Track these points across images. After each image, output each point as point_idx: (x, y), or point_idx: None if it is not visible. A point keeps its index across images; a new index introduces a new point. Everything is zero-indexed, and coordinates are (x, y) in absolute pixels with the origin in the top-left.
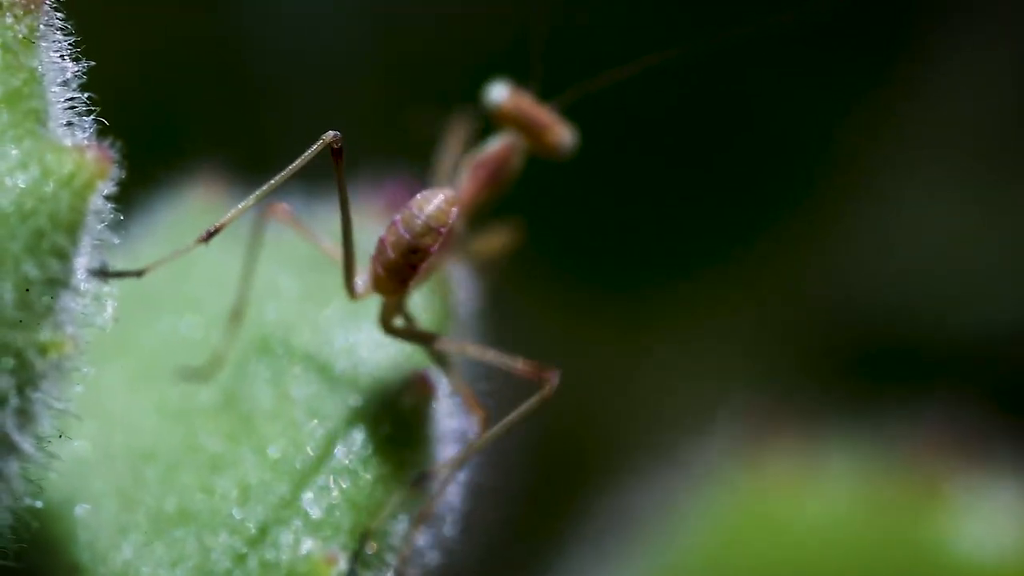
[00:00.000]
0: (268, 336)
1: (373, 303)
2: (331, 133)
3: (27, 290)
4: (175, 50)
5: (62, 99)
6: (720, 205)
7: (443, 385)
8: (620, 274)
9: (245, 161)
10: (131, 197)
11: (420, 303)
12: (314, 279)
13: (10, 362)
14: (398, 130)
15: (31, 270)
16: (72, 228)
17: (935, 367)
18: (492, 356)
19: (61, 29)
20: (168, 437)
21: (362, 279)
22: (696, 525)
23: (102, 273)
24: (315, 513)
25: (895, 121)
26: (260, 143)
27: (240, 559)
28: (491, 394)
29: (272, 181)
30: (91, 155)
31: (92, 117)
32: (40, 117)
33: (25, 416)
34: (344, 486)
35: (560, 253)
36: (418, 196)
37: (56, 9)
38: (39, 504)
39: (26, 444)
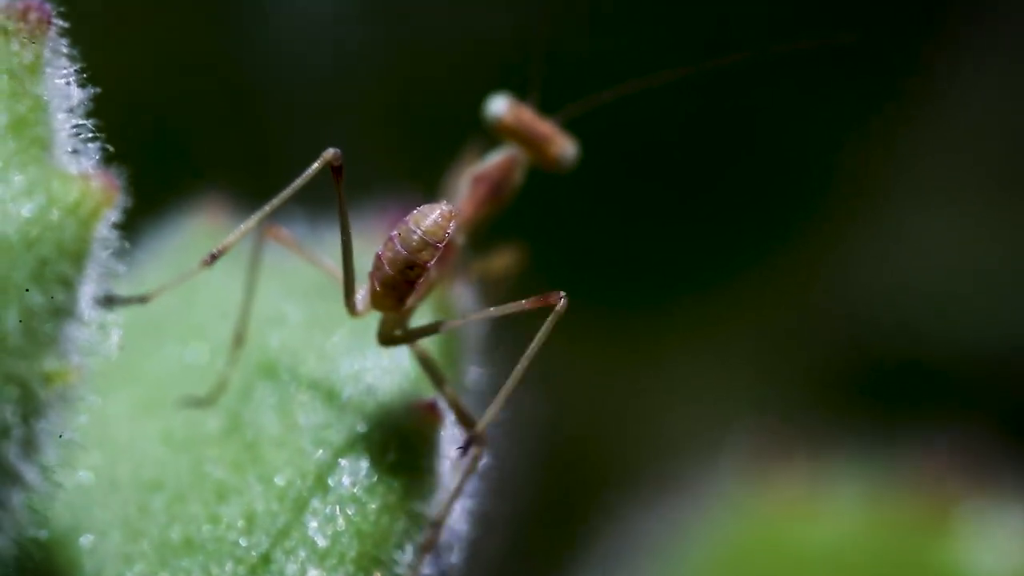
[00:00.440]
0: (274, 363)
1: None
2: (331, 151)
3: (32, 319)
4: (181, 74)
5: (68, 126)
6: (726, 223)
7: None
8: (625, 293)
9: (251, 186)
10: (137, 224)
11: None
12: (320, 307)
13: (15, 391)
14: (405, 152)
15: (36, 299)
16: (78, 256)
17: (943, 387)
18: (494, 311)
19: (66, 55)
20: (174, 466)
21: (361, 296)
22: (703, 548)
23: (107, 301)
24: (321, 542)
25: (901, 139)
26: (266, 167)
27: None
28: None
29: (274, 201)
30: (97, 183)
31: (98, 144)
32: (45, 144)
33: (30, 446)
34: (350, 514)
35: (565, 272)
36: (415, 211)
37: (61, 35)
38: (43, 534)
39: (31, 474)
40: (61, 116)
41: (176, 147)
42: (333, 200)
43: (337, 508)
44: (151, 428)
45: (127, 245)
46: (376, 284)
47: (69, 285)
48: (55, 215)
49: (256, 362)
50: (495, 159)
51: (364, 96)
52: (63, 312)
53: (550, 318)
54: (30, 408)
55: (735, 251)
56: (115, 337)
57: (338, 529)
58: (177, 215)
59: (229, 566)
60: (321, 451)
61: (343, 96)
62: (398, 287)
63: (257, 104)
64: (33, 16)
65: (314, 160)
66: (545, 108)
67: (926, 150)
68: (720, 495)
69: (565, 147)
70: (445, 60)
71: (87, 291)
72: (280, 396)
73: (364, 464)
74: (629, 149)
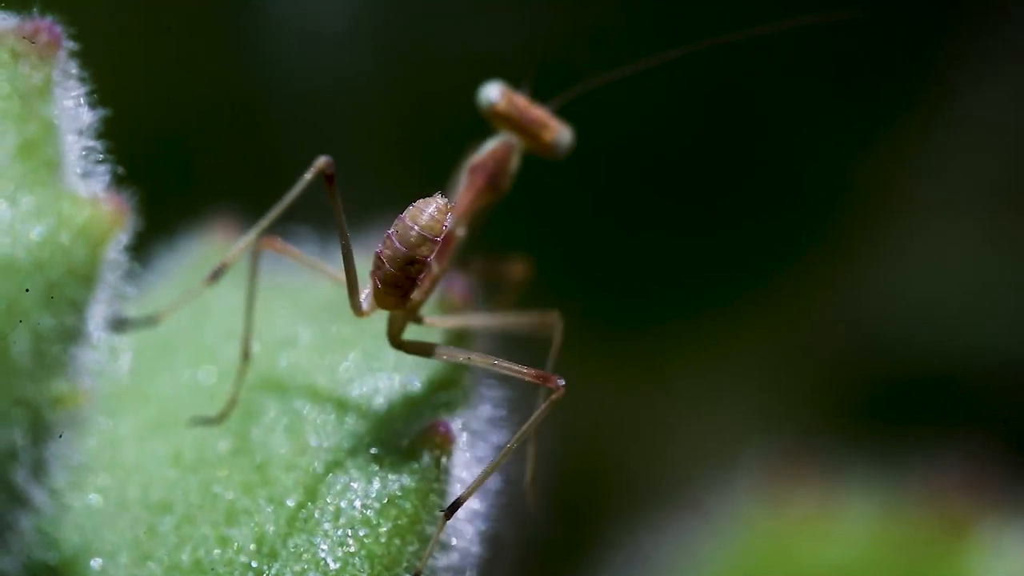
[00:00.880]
0: (284, 384)
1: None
2: (323, 159)
3: (41, 341)
4: (189, 93)
5: (77, 148)
6: (735, 240)
7: (462, 436)
8: (634, 311)
9: (260, 204)
10: (147, 244)
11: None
12: (330, 327)
13: (24, 414)
14: (411, 167)
15: (46, 321)
16: (87, 279)
17: (953, 402)
18: (499, 364)
19: (76, 77)
20: (183, 488)
21: (365, 295)
22: (715, 568)
23: (117, 323)
24: (332, 564)
25: (911, 155)
26: (275, 184)
27: None
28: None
29: (271, 213)
30: (106, 205)
31: (108, 165)
32: (55, 166)
33: (39, 468)
34: (361, 537)
35: (574, 290)
36: (411, 207)
37: (71, 57)
38: (53, 557)
39: (40, 496)
40: (71, 138)
41: (185, 166)
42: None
43: (348, 531)
44: (160, 449)
45: (137, 267)
46: (378, 282)
47: (78, 307)
48: (65, 238)
49: (266, 383)
50: (490, 147)
51: (370, 113)
52: (72, 335)
53: (545, 405)
54: (39, 431)
55: (744, 268)
56: (125, 359)
57: (349, 551)
58: (187, 235)
59: None
60: (332, 473)
61: (349, 113)
62: (400, 284)
63: (264, 121)
64: (43, 38)
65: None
66: (539, 97)
67: (935, 165)
68: (731, 514)
69: (561, 132)
70: (449, 76)
71: (97, 313)
72: (290, 417)
73: (375, 486)
74: (637, 165)
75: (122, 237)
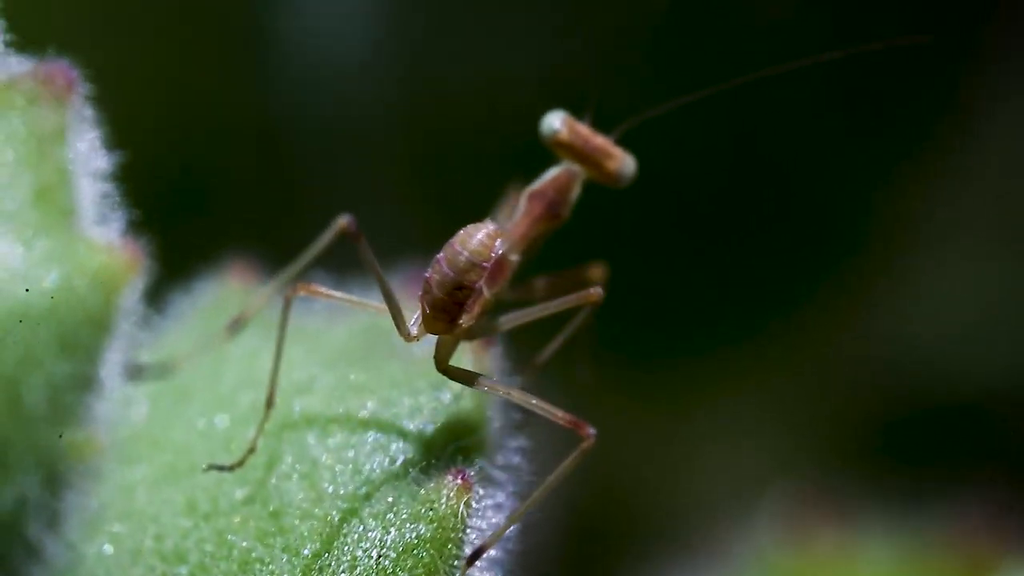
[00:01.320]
0: (302, 432)
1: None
2: (343, 219)
3: (55, 389)
4: (207, 127)
5: (93, 192)
6: (755, 275)
7: (480, 484)
8: (652, 345)
9: (280, 243)
10: (163, 288)
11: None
12: (347, 373)
13: (38, 464)
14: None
15: (60, 369)
16: (102, 326)
17: (976, 438)
18: (535, 404)
19: (91, 121)
20: (198, 536)
21: (414, 321)
22: None
23: (133, 371)
24: None
25: (931, 189)
26: (295, 222)
27: None
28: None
29: (290, 269)
30: (121, 251)
31: (123, 209)
32: (70, 212)
33: (52, 519)
34: None
35: (594, 324)
36: (461, 232)
37: (87, 100)
38: None
39: (53, 547)
40: (86, 182)
41: (202, 202)
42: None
43: None
44: (175, 497)
45: (153, 313)
46: (426, 307)
47: (93, 355)
48: (79, 284)
49: (282, 429)
50: (551, 175)
51: (389, 145)
52: (87, 382)
53: (575, 453)
54: (53, 480)
55: (763, 303)
56: (141, 407)
57: None
58: (203, 278)
59: None
60: (348, 522)
61: (368, 146)
62: (448, 309)
63: (283, 154)
64: (58, 82)
65: (330, 223)
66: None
67: (954, 198)
68: (752, 554)
69: (624, 162)
70: (469, 108)
71: (112, 360)
72: (307, 465)
73: (392, 535)
74: (656, 200)
75: (138, 283)
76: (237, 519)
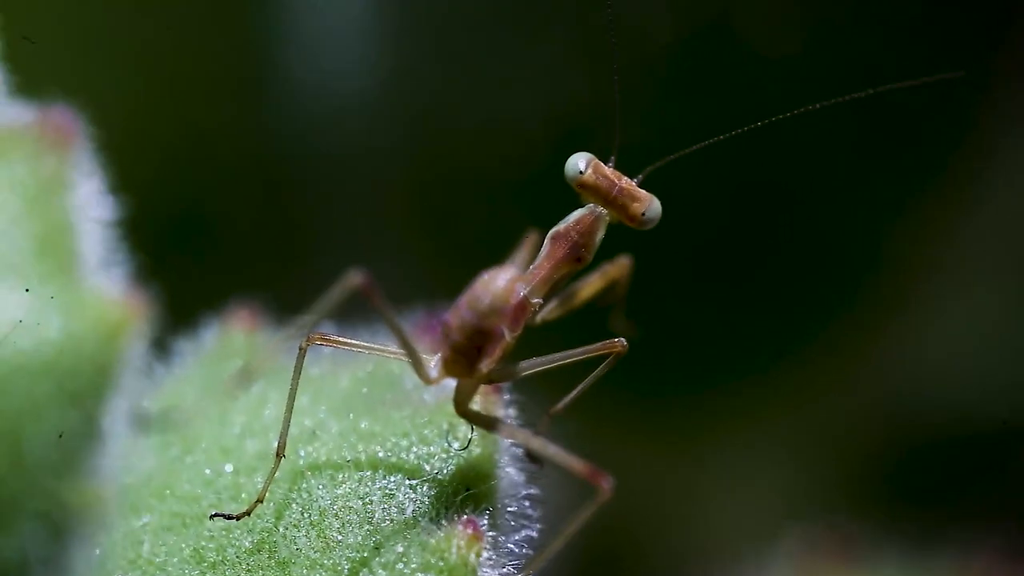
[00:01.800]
0: (310, 480)
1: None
2: (355, 278)
3: (60, 439)
4: (211, 168)
5: (96, 240)
6: (766, 311)
7: (490, 533)
8: (662, 382)
9: (284, 294)
10: (168, 332)
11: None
12: (357, 422)
13: (42, 513)
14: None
15: (64, 419)
16: (106, 375)
17: (990, 479)
18: (554, 451)
19: (94, 167)
20: None
21: (434, 364)
22: None
23: (139, 421)
24: None
25: (943, 223)
26: (300, 274)
27: None
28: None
29: (299, 322)
30: (125, 300)
31: (127, 256)
32: (73, 260)
33: (57, 568)
34: None
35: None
36: (483, 276)
37: (89, 146)
38: None
39: None
40: (89, 229)
41: (207, 242)
42: (361, 310)
43: None
44: (182, 546)
45: (157, 361)
46: (447, 351)
47: (97, 404)
48: (82, 333)
49: (291, 477)
50: (575, 217)
51: (394, 183)
52: (91, 432)
53: (591, 504)
54: (58, 532)
55: (775, 339)
56: (145, 454)
57: None
58: (209, 325)
59: None
60: (358, 571)
61: (373, 183)
62: (468, 353)
63: (288, 200)
64: (61, 129)
65: (341, 277)
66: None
67: (966, 232)
68: None
69: (650, 204)
70: (474, 145)
71: (117, 409)
72: (315, 513)
73: None
74: (668, 236)
75: (142, 331)
76: (245, 568)
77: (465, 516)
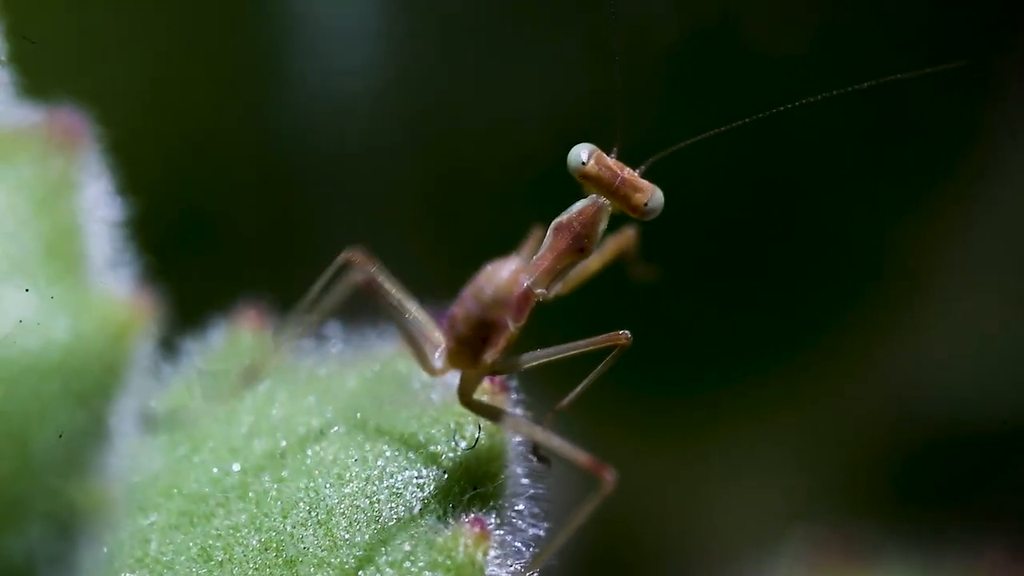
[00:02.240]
0: (317, 479)
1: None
2: (355, 275)
3: (67, 440)
4: (217, 167)
5: (104, 241)
6: (771, 309)
7: (498, 532)
8: (668, 380)
9: (289, 293)
10: (175, 332)
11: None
12: (364, 421)
13: (49, 513)
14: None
15: (71, 419)
16: (114, 375)
17: (996, 475)
18: (557, 444)
19: (102, 168)
20: None
21: (439, 354)
22: None
23: (147, 421)
24: None
25: (950, 223)
26: (306, 272)
27: None
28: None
29: (299, 313)
30: (133, 301)
31: (134, 256)
32: (82, 262)
33: (65, 568)
34: None
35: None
36: (487, 267)
37: (97, 146)
38: None
39: None
40: (96, 230)
41: (212, 243)
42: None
43: None
44: (189, 545)
45: (165, 360)
46: (452, 342)
47: (105, 405)
48: (90, 334)
49: (297, 476)
50: (578, 208)
51: (399, 183)
52: (99, 432)
53: (595, 497)
54: (66, 533)
55: (779, 337)
56: (152, 454)
57: None
58: (216, 324)
59: None
60: (364, 569)
61: (379, 183)
62: (473, 344)
63: (293, 199)
64: (68, 131)
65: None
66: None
67: (973, 232)
68: None
69: (653, 195)
70: (480, 145)
71: (124, 410)
72: (322, 512)
73: None
74: (670, 234)
75: (150, 332)
76: (252, 567)
77: (472, 515)
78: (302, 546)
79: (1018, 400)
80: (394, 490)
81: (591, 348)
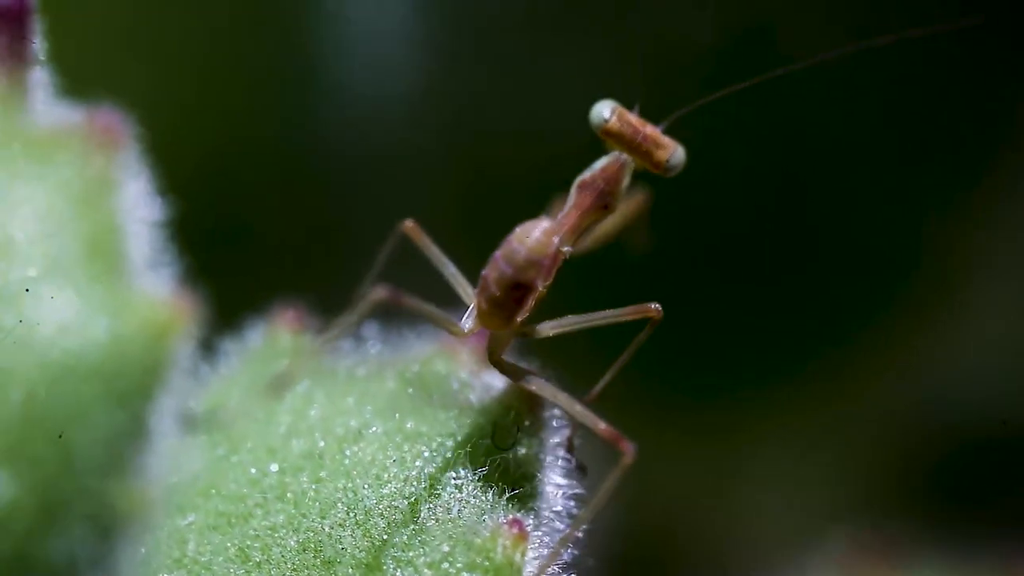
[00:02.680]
0: (355, 480)
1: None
2: (380, 291)
3: (108, 440)
4: (253, 167)
5: (144, 241)
6: (807, 310)
7: (536, 533)
8: (704, 381)
9: (326, 293)
10: (213, 332)
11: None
12: (402, 422)
13: (90, 514)
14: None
15: (112, 420)
16: (154, 376)
17: None
18: (579, 410)
19: (141, 168)
20: None
21: (470, 315)
22: None
23: (186, 422)
24: None
25: (987, 222)
26: (342, 274)
27: None
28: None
29: (334, 331)
30: (173, 301)
31: (174, 257)
32: (121, 262)
33: (105, 569)
34: None
35: (644, 360)
36: (517, 229)
37: (136, 147)
38: None
39: None
40: (136, 230)
41: (249, 241)
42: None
43: None
44: (227, 545)
45: (204, 360)
46: (483, 303)
47: (145, 405)
48: (130, 335)
49: (336, 477)
50: (601, 165)
51: (434, 182)
52: (139, 433)
53: (617, 472)
54: (105, 532)
55: (813, 338)
56: (192, 454)
57: None
58: (255, 323)
59: None
60: (403, 570)
61: (413, 182)
62: (505, 305)
63: (329, 191)
64: (108, 130)
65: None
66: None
67: (1010, 231)
68: None
69: (674, 151)
70: (514, 143)
71: (164, 410)
72: (360, 513)
73: None
74: (704, 234)
75: (189, 333)
76: (290, 568)
77: (510, 516)
78: (340, 547)
79: None
80: (432, 491)
81: (620, 319)
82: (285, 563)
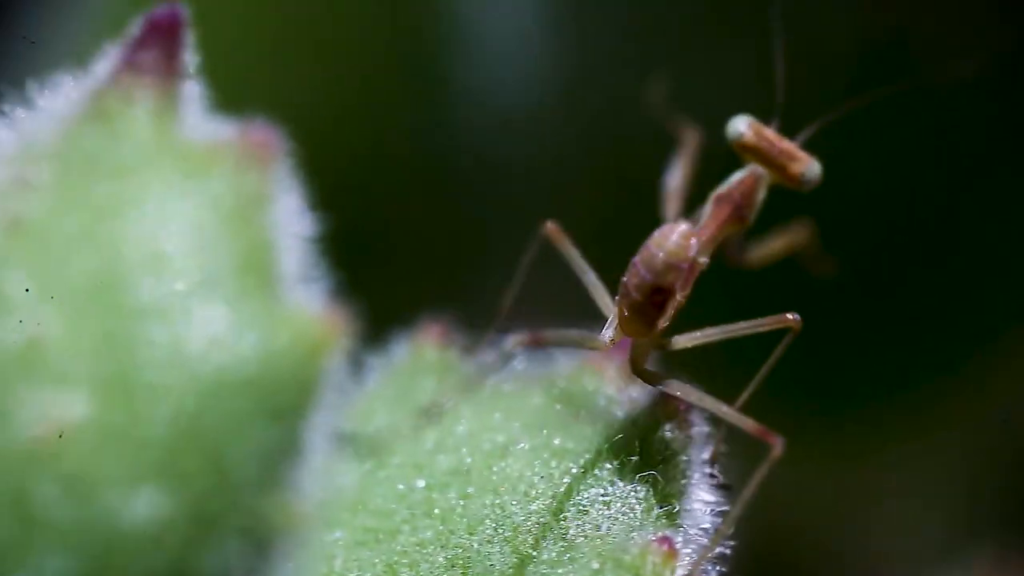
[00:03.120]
0: (503, 496)
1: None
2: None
3: (261, 456)
4: (387, 177)
5: (296, 256)
6: (934, 325)
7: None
8: (833, 396)
9: (468, 306)
10: (364, 352)
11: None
12: (550, 438)
13: (244, 529)
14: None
15: (265, 435)
16: (307, 392)
17: None
18: (726, 411)
19: (294, 183)
20: None
21: (610, 325)
22: None
23: (340, 441)
24: None
25: None
26: (483, 284)
27: None
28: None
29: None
30: (325, 317)
31: (326, 272)
32: (274, 277)
33: None
34: None
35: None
36: (655, 234)
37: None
38: None
39: None
40: (289, 246)
41: (388, 251)
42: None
43: None
44: (374, 561)
45: (355, 375)
46: (624, 310)
47: (298, 421)
48: (283, 350)
49: (484, 493)
50: (737, 178)
51: (577, 200)
52: (292, 449)
53: (766, 465)
54: (261, 547)
55: (943, 353)
56: (342, 472)
57: None
58: (400, 337)
59: None
60: None
61: (548, 192)
62: (646, 312)
63: (463, 200)
64: (262, 145)
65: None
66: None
67: None
68: None
69: (810, 165)
70: (653, 152)
71: (317, 425)
72: (508, 529)
73: None
74: (839, 250)
75: (341, 348)
76: None
77: (660, 533)
78: (489, 563)
79: None
80: (580, 507)
81: (758, 330)
82: None
